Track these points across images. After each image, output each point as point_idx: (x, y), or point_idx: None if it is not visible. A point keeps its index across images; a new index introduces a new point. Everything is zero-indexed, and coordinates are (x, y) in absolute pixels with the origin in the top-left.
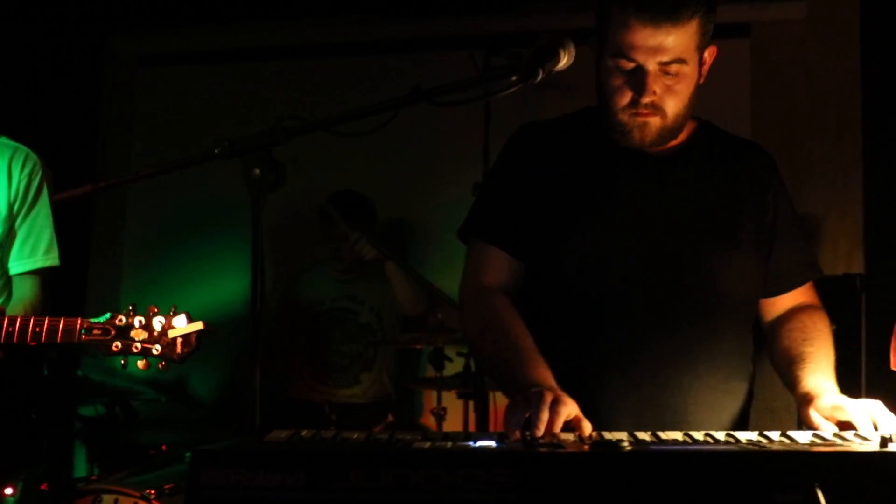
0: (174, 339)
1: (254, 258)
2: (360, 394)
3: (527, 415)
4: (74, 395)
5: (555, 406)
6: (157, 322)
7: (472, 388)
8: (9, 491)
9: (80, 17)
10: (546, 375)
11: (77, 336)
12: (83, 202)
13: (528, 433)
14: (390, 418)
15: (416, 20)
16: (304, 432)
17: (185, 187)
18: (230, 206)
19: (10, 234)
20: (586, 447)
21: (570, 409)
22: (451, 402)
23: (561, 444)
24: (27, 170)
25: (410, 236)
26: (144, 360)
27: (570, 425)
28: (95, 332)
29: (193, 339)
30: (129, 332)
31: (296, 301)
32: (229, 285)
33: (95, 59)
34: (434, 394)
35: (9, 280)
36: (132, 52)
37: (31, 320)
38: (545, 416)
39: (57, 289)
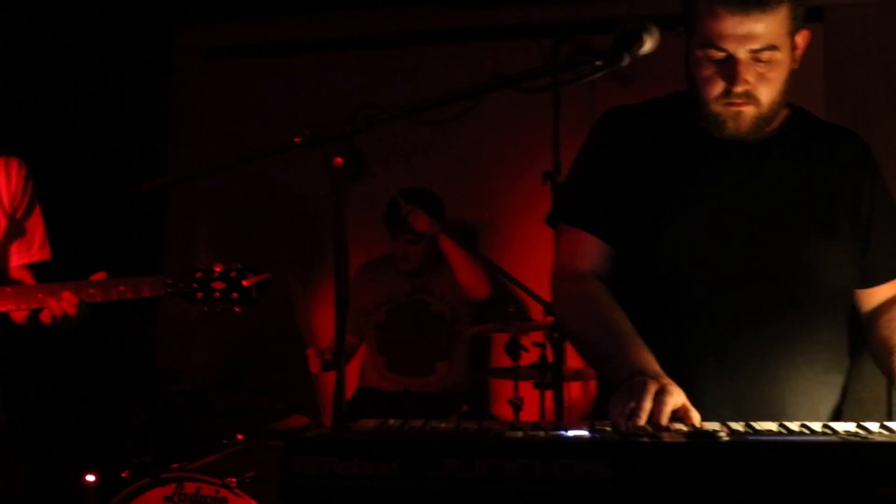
0: (250, 286)
1: (337, 250)
2: (435, 383)
3: (631, 405)
4: (153, 382)
5: (660, 396)
6: (231, 274)
7: (548, 379)
8: (90, 478)
9: (148, 10)
10: (650, 361)
11: (164, 289)
12: (155, 196)
13: (628, 422)
14: (465, 408)
15: (485, 9)
16: (391, 421)
17: (254, 179)
18: (298, 196)
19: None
20: (682, 437)
21: (676, 398)
22: (527, 391)
23: (659, 434)
24: (23, 174)
25: (482, 232)
26: (224, 306)
27: (678, 415)
28: (180, 285)
29: (262, 287)
30: (209, 284)
31: (363, 292)
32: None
33: (163, 52)
34: (509, 384)
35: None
36: (199, 44)
37: (113, 280)
38: (648, 405)
39: None
